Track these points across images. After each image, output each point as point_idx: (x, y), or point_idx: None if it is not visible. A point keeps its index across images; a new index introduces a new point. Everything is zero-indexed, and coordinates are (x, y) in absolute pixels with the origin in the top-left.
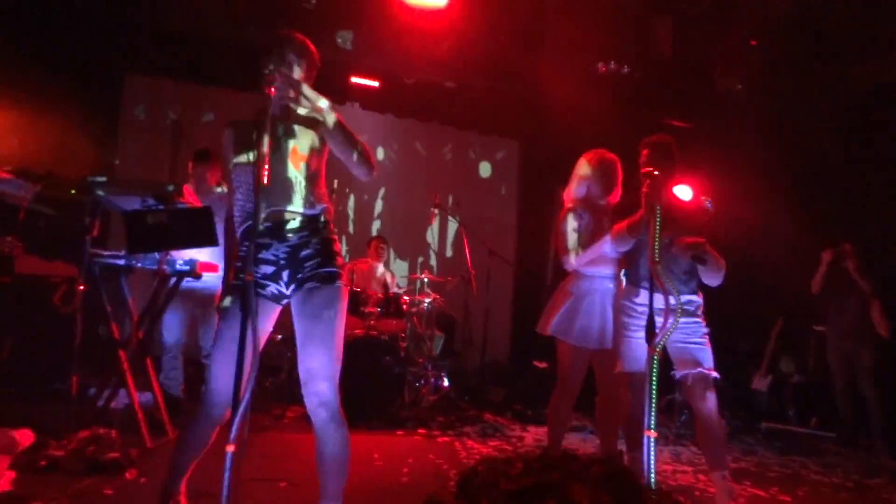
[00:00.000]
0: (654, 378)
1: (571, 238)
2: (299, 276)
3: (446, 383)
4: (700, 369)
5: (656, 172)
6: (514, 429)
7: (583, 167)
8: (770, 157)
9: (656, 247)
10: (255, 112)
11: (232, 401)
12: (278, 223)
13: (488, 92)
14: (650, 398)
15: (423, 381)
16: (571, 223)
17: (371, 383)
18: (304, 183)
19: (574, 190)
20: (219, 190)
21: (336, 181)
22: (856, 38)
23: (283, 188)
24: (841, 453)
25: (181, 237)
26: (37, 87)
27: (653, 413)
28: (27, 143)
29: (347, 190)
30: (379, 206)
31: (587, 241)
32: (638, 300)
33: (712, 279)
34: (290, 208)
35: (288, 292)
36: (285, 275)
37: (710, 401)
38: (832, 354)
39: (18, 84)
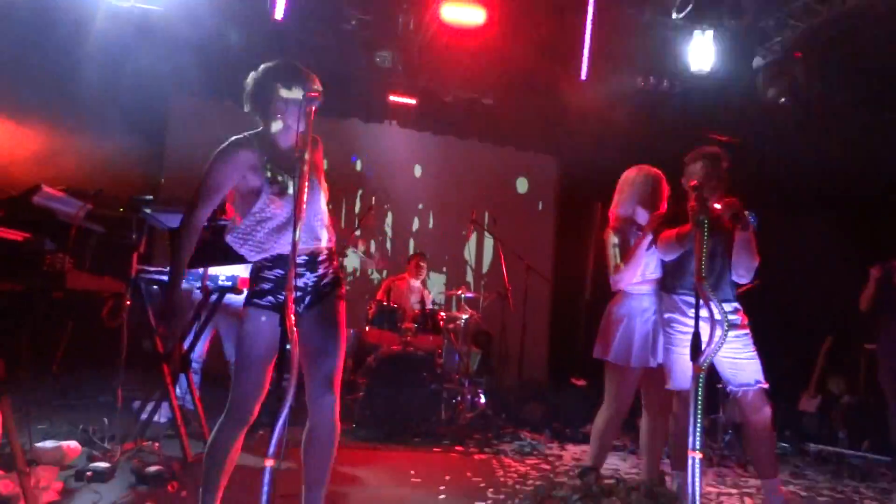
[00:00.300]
0: (700, 396)
1: (615, 255)
2: (317, 298)
3: (483, 400)
4: (759, 383)
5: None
6: (552, 447)
7: (627, 183)
8: (817, 170)
9: (703, 261)
10: (253, 137)
11: (261, 409)
12: (313, 257)
13: (526, 108)
14: (696, 417)
15: (459, 398)
16: (615, 240)
17: (408, 399)
18: (325, 217)
19: (620, 207)
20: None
21: (374, 198)
22: None
23: (315, 222)
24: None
25: (224, 254)
26: (90, 110)
27: (699, 432)
28: (81, 163)
29: (386, 206)
30: (416, 222)
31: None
32: (685, 314)
33: (745, 264)
34: (322, 244)
35: (301, 311)
36: (307, 300)
37: (767, 413)
38: (883, 373)
39: (74, 107)
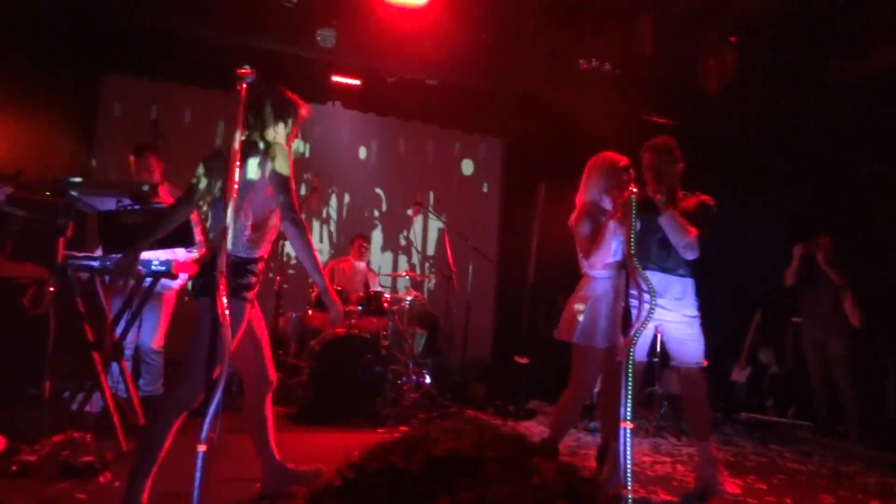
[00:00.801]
0: (630, 369)
1: (587, 240)
2: None
3: (428, 381)
4: (698, 363)
5: (635, 190)
6: (496, 424)
7: (594, 170)
8: (750, 153)
9: (632, 239)
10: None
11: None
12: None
13: (471, 90)
14: (626, 390)
15: (404, 379)
16: (585, 227)
17: (352, 382)
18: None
19: (586, 194)
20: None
21: (317, 178)
22: (835, 32)
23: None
24: (817, 442)
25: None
26: (11, 88)
27: (629, 405)
28: (2, 144)
29: (330, 189)
30: (360, 204)
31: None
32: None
33: (676, 242)
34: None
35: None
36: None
37: (703, 387)
38: (807, 345)
39: None
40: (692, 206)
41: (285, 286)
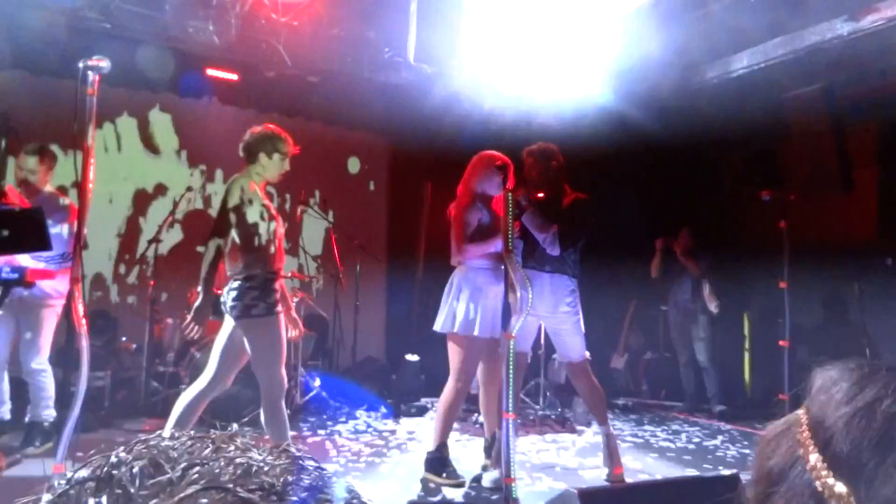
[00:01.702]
0: (511, 362)
1: (468, 230)
2: None
3: (318, 383)
4: (582, 357)
5: (511, 187)
6: (387, 423)
7: (480, 167)
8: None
9: (510, 237)
10: None
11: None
12: None
13: (354, 86)
14: (507, 382)
15: (293, 383)
16: (471, 216)
17: (235, 388)
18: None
19: (473, 185)
20: (47, 190)
21: (193, 176)
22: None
23: None
24: (686, 420)
25: (6, 241)
26: None
27: (510, 396)
28: None
29: (214, 188)
30: None
31: (484, 234)
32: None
33: (540, 238)
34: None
35: None
36: None
37: (586, 377)
38: (673, 331)
39: None
40: (566, 203)
41: (162, 294)
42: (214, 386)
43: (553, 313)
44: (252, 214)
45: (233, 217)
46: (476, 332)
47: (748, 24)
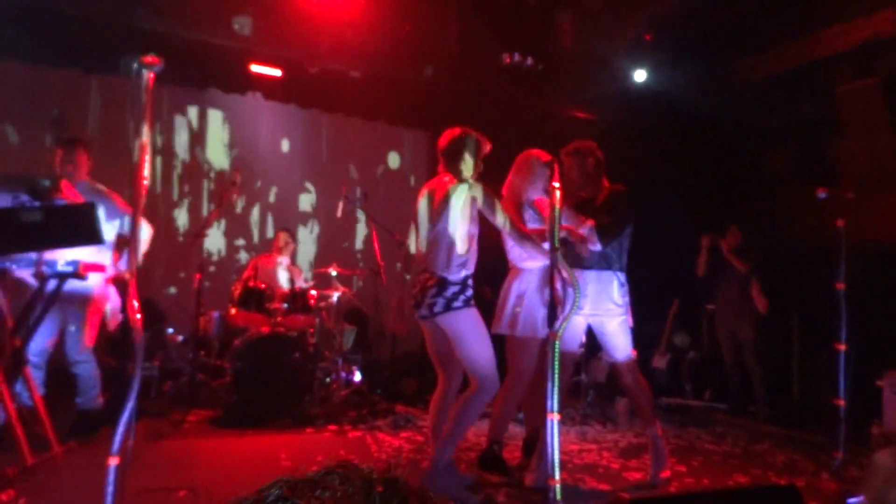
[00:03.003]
0: (556, 362)
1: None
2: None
3: (358, 377)
4: (628, 356)
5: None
6: (426, 419)
7: (522, 166)
8: (665, 148)
9: (555, 234)
10: None
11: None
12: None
13: (395, 82)
14: (552, 382)
15: (333, 377)
16: (523, 217)
17: (278, 382)
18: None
19: (518, 186)
20: (87, 182)
21: (238, 172)
22: (742, 31)
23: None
24: (731, 423)
25: (61, 236)
26: None
27: (555, 396)
28: None
29: (259, 183)
30: (287, 198)
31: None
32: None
33: (591, 246)
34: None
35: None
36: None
37: (633, 377)
38: (720, 331)
39: None
40: (602, 197)
41: (206, 284)
42: (450, 385)
43: (598, 311)
44: (472, 217)
45: (461, 219)
46: (538, 334)
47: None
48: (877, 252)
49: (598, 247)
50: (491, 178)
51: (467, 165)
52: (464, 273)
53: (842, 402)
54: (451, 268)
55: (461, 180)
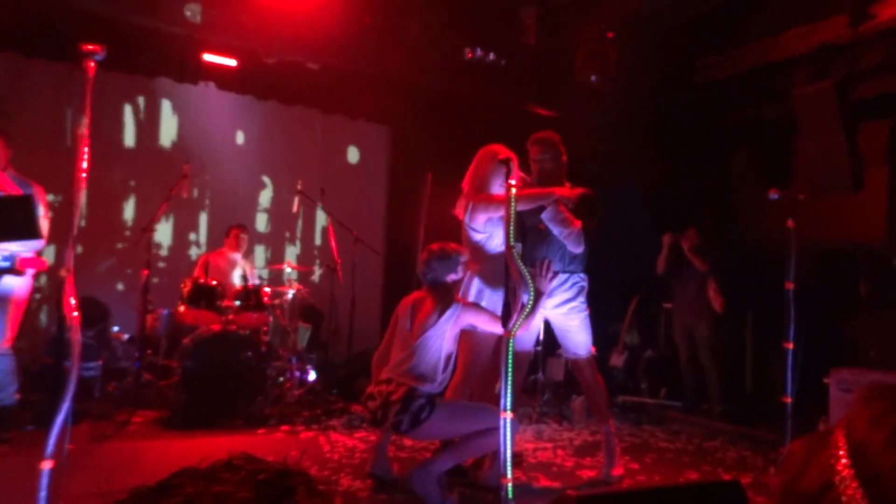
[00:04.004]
0: (510, 360)
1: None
2: None
3: (313, 377)
4: (588, 351)
5: (514, 183)
6: None
7: (482, 162)
8: (626, 146)
9: (511, 231)
10: None
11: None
12: None
13: (354, 74)
14: (506, 381)
15: (287, 376)
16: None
17: (229, 381)
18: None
19: (478, 182)
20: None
21: (189, 165)
22: (701, 32)
23: None
24: (686, 420)
25: None
26: None
27: (508, 395)
28: None
29: (210, 177)
30: (241, 193)
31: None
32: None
33: (563, 234)
34: None
35: None
36: None
37: (591, 374)
38: (676, 329)
39: None
40: (573, 197)
41: (154, 280)
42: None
43: (562, 310)
44: (455, 337)
45: (446, 339)
46: (499, 332)
47: (757, 15)
48: (828, 252)
49: (580, 248)
50: (451, 173)
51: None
52: (436, 389)
53: (789, 400)
54: (424, 381)
55: (450, 302)
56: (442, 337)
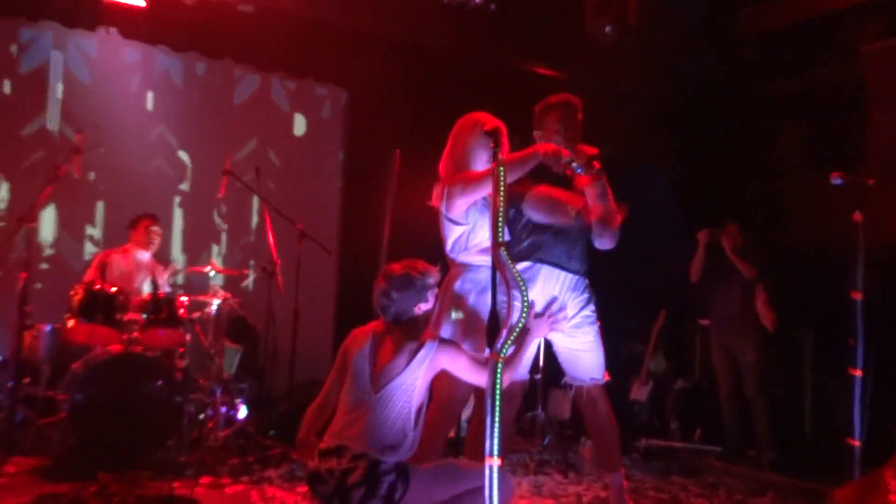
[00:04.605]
0: (499, 390)
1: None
2: None
3: (243, 414)
4: (594, 380)
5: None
6: None
7: (461, 135)
8: (648, 118)
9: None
10: None
11: None
12: None
13: (302, 22)
14: (493, 417)
15: (209, 413)
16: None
17: (133, 419)
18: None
19: (459, 159)
20: None
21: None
22: None
23: None
24: (726, 470)
25: None
26: None
27: (496, 435)
28: None
29: (104, 151)
30: (147, 173)
31: None
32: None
33: (605, 227)
34: None
35: None
36: None
37: (604, 407)
38: (715, 352)
39: None
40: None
41: (36, 286)
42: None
43: (571, 322)
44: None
45: (418, 388)
46: (484, 353)
47: None
48: None
49: (612, 244)
50: (425, 150)
51: None
52: (406, 455)
53: (857, 443)
54: (390, 449)
55: (420, 341)
56: (411, 388)
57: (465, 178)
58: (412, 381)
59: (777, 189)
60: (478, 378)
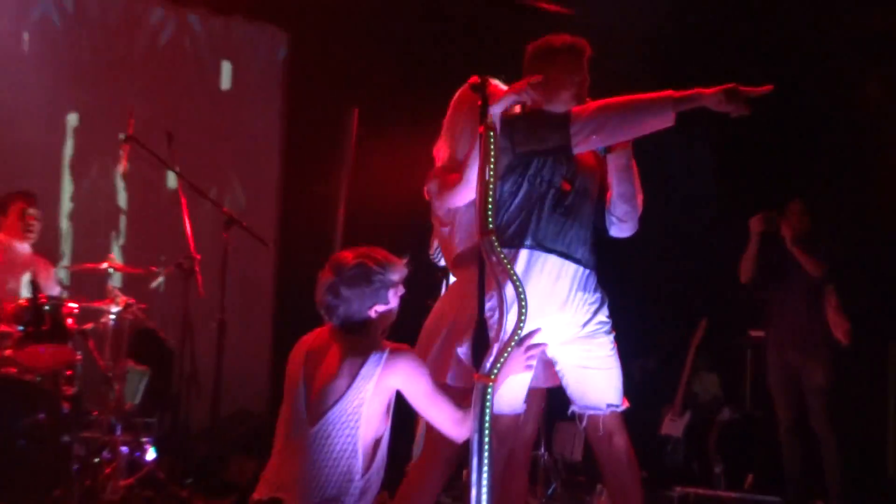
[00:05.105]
0: (486, 425)
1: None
2: None
3: (151, 456)
4: (611, 406)
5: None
6: None
7: (459, 108)
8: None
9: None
10: None
11: None
12: None
13: None
14: (481, 457)
15: (107, 455)
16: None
17: (5, 463)
18: None
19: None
20: None
21: None
22: None
23: None
24: None
25: None
26: None
27: (485, 483)
28: None
29: None
30: (23, 139)
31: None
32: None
33: (627, 214)
34: None
35: None
36: None
37: (622, 441)
38: (772, 373)
39: None
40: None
41: None
42: None
43: (583, 332)
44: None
45: (371, 414)
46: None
47: None
48: None
49: (632, 232)
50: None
51: None
52: (367, 498)
53: None
54: (333, 502)
55: (369, 349)
56: (355, 417)
57: (459, 179)
58: (355, 409)
59: (857, 158)
60: (442, 417)
